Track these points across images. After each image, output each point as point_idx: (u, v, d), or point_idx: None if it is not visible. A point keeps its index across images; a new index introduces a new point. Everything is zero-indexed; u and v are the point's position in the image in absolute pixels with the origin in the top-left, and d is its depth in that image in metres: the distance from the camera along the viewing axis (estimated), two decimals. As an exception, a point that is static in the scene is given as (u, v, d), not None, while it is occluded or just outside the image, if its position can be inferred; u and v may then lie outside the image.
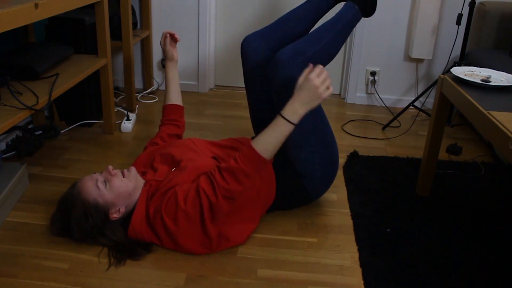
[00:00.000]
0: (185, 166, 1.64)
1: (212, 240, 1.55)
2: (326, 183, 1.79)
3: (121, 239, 1.56)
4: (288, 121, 1.47)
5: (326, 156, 1.74)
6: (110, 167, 1.57)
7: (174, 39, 1.99)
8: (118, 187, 1.55)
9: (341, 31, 1.83)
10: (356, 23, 1.92)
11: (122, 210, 1.57)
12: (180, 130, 2.00)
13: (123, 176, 1.59)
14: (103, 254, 1.55)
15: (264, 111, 1.94)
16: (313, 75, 1.47)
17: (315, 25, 2.11)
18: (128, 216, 1.59)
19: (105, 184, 1.55)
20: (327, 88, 1.49)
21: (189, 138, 1.86)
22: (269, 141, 1.48)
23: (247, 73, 1.93)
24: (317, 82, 1.47)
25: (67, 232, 1.58)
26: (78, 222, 1.53)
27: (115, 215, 1.56)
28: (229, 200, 1.50)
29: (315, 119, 1.70)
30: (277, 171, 1.73)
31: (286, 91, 1.67)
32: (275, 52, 1.92)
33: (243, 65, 1.94)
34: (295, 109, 1.48)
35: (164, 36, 1.98)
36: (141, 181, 1.63)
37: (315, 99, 1.48)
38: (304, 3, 2.01)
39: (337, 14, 1.89)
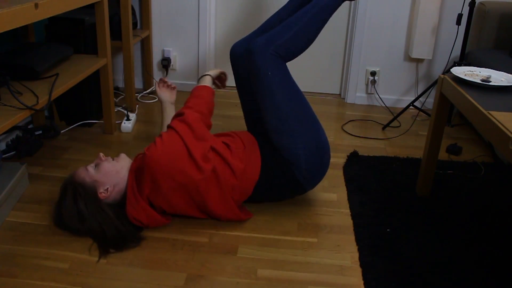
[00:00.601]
0: None
1: (199, 161, 1.60)
2: (314, 170, 1.76)
3: (114, 225, 1.58)
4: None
5: (310, 142, 1.74)
6: (101, 154, 1.67)
7: (168, 85, 2.12)
8: (106, 167, 1.63)
9: (315, 16, 1.82)
10: (336, 8, 1.89)
11: (111, 189, 1.62)
12: None
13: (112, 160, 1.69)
14: (94, 248, 1.57)
15: (254, 112, 1.97)
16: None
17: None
18: (122, 200, 1.65)
19: (94, 167, 1.65)
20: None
21: None
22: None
23: (237, 78, 2.00)
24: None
25: (62, 220, 1.62)
26: (69, 207, 1.57)
27: (103, 194, 1.60)
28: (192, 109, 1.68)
29: (293, 105, 1.74)
30: (268, 157, 1.75)
31: (260, 79, 1.72)
32: None
33: (233, 71, 2.01)
34: None
35: (159, 83, 2.12)
36: (129, 162, 1.71)
37: None
38: (288, 1, 2.04)
39: None
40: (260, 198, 1.80)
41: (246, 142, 1.78)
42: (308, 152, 1.74)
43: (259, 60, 1.72)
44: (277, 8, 2.99)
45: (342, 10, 2.97)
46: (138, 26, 3.02)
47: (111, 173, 1.63)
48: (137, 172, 1.61)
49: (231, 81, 3.24)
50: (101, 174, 1.62)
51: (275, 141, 1.75)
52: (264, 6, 3.02)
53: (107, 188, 1.62)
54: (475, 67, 1.86)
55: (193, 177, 1.58)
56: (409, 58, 2.98)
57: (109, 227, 1.57)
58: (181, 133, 1.61)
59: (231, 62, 2.01)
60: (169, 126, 1.65)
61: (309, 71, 3.14)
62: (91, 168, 1.64)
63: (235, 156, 1.72)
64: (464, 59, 2.64)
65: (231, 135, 1.85)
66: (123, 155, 1.72)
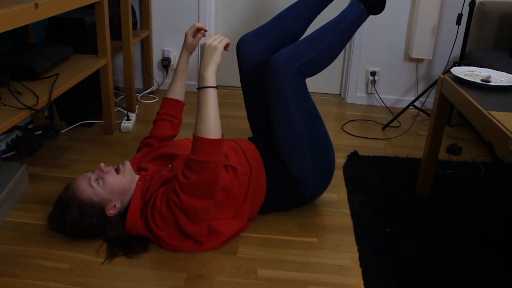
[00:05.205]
0: (180, 163, 1.65)
1: (194, 237, 1.55)
2: (321, 187, 1.79)
3: (120, 234, 1.57)
4: (205, 87, 1.51)
5: (320, 162, 1.73)
6: (102, 164, 1.59)
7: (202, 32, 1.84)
8: (111, 183, 1.56)
9: (343, 33, 1.77)
10: (361, 24, 1.84)
11: (118, 205, 1.58)
12: (175, 130, 1.93)
13: (118, 171, 1.60)
14: (102, 250, 1.56)
15: (261, 114, 1.93)
16: (207, 41, 1.56)
17: (315, 22, 2.08)
18: (125, 211, 1.60)
19: (98, 181, 1.56)
20: (219, 41, 1.56)
21: (186, 138, 1.87)
22: (205, 118, 1.48)
23: (244, 75, 1.91)
24: (208, 41, 1.55)
25: (63, 230, 1.59)
26: (74, 222, 1.53)
27: (111, 211, 1.57)
28: (194, 195, 1.46)
29: (308, 124, 1.70)
30: (273, 174, 1.73)
31: (278, 96, 1.67)
32: (272, 53, 1.91)
33: (239, 67, 1.92)
34: (203, 74, 1.52)
35: (195, 30, 1.83)
36: (135, 176, 1.64)
37: (212, 54, 1.54)
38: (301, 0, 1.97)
39: (340, 14, 1.82)
40: (261, 212, 1.78)
41: (252, 163, 1.70)
42: (318, 172, 1.73)
43: (281, 78, 1.65)
44: (278, 8, 3.00)
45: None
46: (138, 26, 3.02)
47: (118, 189, 1.56)
48: (146, 203, 1.55)
49: (231, 81, 3.24)
50: (107, 191, 1.55)
51: (285, 157, 1.72)
52: (265, 6, 3.02)
53: (115, 205, 1.57)
54: (475, 67, 1.86)
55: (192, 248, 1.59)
56: (409, 58, 2.98)
57: (121, 235, 1.57)
58: (178, 219, 1.51)
59: (237, 57, 1.89)
60: (170, 199, 1.49)
61: (309, 71, 3.14)
62: (95, 183, 1.54)
63: (241, 183, 1.65)
64: (464, 59, 2.64)
65: (237, 152, 1.73)
66: (128, 165, 1.63)
